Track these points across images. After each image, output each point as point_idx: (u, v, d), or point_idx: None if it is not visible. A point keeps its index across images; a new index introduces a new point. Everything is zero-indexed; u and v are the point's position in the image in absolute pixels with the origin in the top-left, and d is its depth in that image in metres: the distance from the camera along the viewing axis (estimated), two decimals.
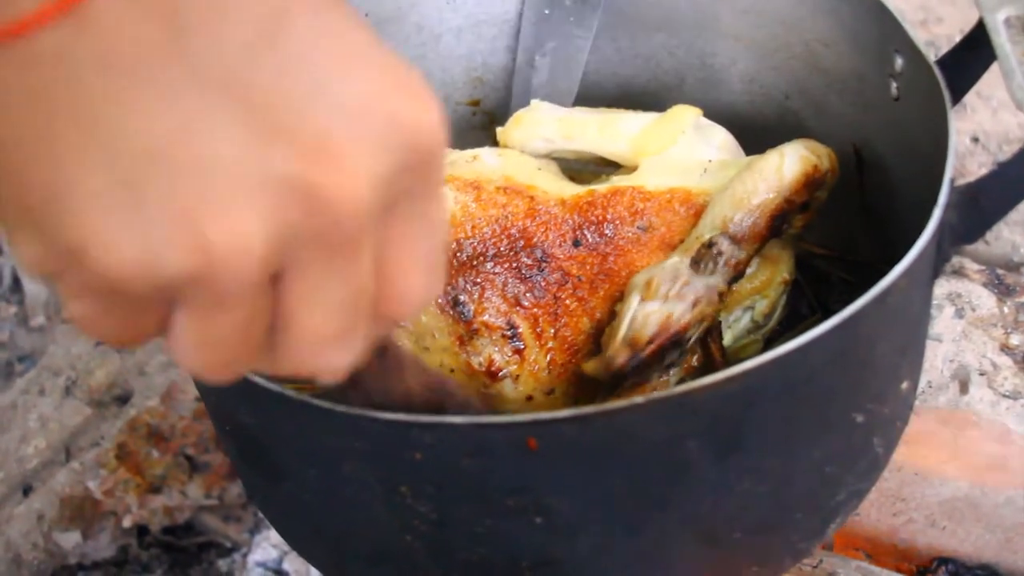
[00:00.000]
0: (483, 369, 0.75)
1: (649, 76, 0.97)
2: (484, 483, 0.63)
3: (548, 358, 0.76)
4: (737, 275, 0.76)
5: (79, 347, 1.34)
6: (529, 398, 0.76)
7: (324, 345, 0.44)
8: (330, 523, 0.73)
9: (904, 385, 0.74)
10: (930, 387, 1.04)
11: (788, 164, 0.77)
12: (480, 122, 1.01)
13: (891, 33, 0.79)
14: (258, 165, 0.40)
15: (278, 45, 0.41)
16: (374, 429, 0.62)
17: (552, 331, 0.76)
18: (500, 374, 0.75)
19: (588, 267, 0.77)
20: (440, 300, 0.76)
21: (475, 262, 0.77)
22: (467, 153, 0.82)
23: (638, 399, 0.60)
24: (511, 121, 0.86)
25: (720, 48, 0.94)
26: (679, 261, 0.75)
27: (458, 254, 0.77)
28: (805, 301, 0.90)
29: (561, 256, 0.77)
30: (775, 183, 0.76)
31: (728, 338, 0.79)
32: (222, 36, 0.41)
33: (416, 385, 0.63)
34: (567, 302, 0.77)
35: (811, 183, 0.78)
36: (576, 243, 0.78)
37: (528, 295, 0.77)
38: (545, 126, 0.85)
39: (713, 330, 0.77)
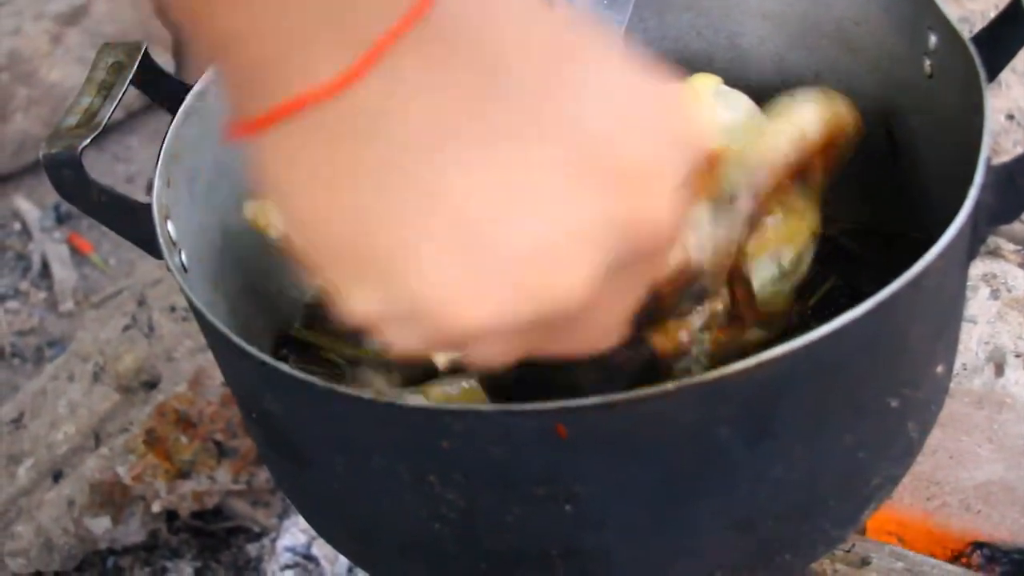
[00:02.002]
0: None
1: (677, 57, 0.96)
2: (513, 471, 0.63)
3: None
4: (758, 226, 0.76)
5: (107, 333, 1.34)
6: None
7: (615, 330, 0.47)
8: (358, 511, 0.72)
9: (939, 369, 0.73)
10: (965, 369, 1.03)
11: (801, 111, 0.77)
12: None
13: (924, 10, 0.78)
14: (583, 209, 0.41)
15: (574, 72, 0.42)
16: (401, 417, 0.61)
17: None
18: None
19: None
20: None
21: None
22: None
23: (668, 385, 0.59)
24: None
25: (748, 27, 0.93)
26: (698, 213, 0.75)
27: None
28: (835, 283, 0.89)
29: None
30: (796, 137, 0.76)
31: (755, 284, 0.78)
32: (526, 71, 0.41)
33: None
34: None
35: (833, 137, 0.77)
36: None
37: None
38: None
39: (737, 279, 0.76)
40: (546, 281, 0.41)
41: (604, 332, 0.47)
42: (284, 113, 0.40)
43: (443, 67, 0.40)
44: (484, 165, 0.40)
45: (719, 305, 0.76)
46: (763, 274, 0.78)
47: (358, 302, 0.43)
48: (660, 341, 0.76)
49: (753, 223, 0.76)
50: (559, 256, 0.41)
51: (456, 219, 0.40)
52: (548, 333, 0.45)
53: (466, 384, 0.75)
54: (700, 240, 0.73)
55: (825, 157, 0.78)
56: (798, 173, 0.76)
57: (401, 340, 0.44)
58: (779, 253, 0.79)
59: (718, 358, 0.77)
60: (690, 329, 0.75)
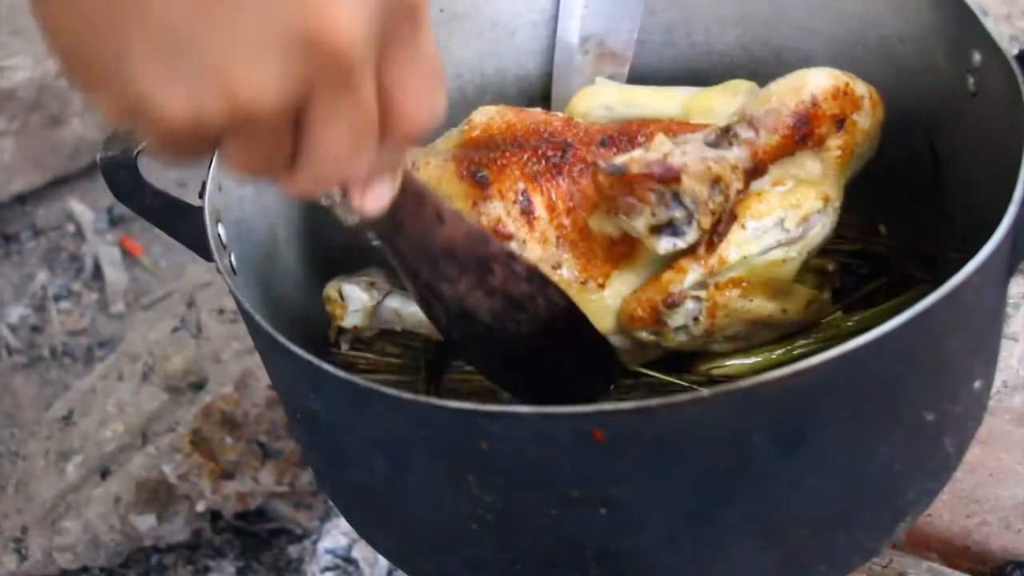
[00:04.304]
0: (491, 227, 0.79)
1: (723, 71, 0.97)
2: (549, 473, 0.64)
3: (558, 233, 0.79)
4: (756, 166, 0.78)
5: (156, 334, 1.36)
6: None
7: (342, 158, 0.53)
8: (397, 511, 0.73)
9: (977, 384, 0.73)
10: (1005, 387, 1.02)
11: (815, 74, 0.80)
12: None
13: (969, 28, 0.78)
14: (268, 24, 0.48)
15: None
16: (440, 417, 0.63)
17: (565, 208, 0.79)
18: (506, 234, 0.79)
19: None
20: (462, 171, 0.81)
21: (502, 148, 0.82)
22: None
23: (704, 392, 0.60)
24: (576, 97, 0.91)
25: (794, 43, 0.94)
26: (696, 137, 0.78)
27: (489, 146, 0.82)
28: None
29: (585, 150, 0.81)
30: (800, 86, 0.80)
31: (756, 247, 0.77)
32: None
33: (457, 233, 0.69)
34: (584, 187, 0.79)
35: (841, 96, 0.79)
36: (603, 143, 0.82)
37: (547, 174, 0.80)
38: (606, 96, 0.90)
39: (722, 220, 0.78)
40: (232, 86, 0.48)
41: (337, 163, 0.53)
42: None
43: None
44: None
45: (710, 258, 0.77)
46: (765, 236, 0.78)
47: (99, 106, 0.50)
48: (645, 297, 0.77)
49: (752, 154, 0.78)
50: (243, 67, 0.48)
51: (160, 28, 0.48)
52: (278, 160, 0.52)
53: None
54: (687, 149, 0.75)
55: (842, 131, 0.79)
56: (799, 118, 0.78)
57: (143, 133, 0.51)
58: (783, 216, 0.78)
59: (720, 326, 0.78)
60: (682, 282, 0.76)
